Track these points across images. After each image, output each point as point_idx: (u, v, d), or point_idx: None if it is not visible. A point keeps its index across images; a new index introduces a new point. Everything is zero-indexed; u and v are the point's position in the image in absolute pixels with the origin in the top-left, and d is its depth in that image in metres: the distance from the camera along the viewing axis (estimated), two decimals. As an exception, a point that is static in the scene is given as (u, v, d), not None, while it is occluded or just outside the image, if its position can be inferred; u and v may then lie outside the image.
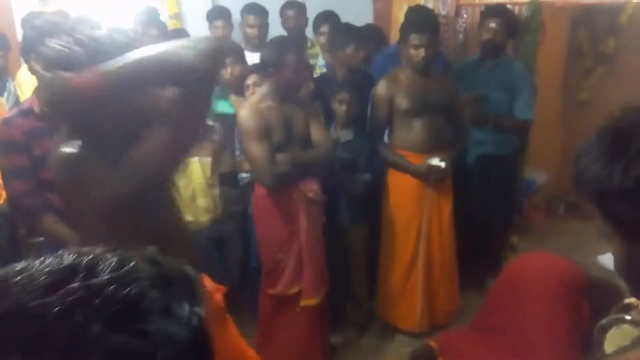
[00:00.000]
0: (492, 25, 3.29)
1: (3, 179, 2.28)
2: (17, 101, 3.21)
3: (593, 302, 1.89)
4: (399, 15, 4.44)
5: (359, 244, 3.08)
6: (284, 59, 2.50)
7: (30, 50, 2.11)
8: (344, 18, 3.90)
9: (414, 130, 3.03)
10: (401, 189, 3.08)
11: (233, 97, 3.14)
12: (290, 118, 2.61)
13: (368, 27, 3.98)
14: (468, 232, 3.32)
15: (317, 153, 2.64)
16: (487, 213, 3.42)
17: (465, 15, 4.02)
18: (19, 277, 0.48)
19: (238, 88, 3.13)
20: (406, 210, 3.08)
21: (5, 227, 2.47)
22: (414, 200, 3.06)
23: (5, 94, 3.36)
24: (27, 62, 2.19)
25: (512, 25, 3.36)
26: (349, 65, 3.30)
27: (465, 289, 3.35)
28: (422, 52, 2.87)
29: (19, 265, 0.51)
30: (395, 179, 3.09)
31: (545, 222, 4.41)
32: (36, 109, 2.19)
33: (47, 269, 0.49)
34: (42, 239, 2.47)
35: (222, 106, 3.12)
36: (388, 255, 3.14)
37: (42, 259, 0.52)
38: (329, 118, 3.06)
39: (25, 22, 3.34)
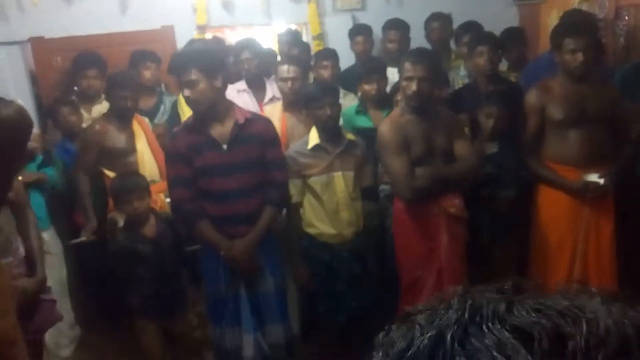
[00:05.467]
0: None
1: (169, 186, 2.58)
2: (176, 118, 3.52)
3: None
4: (548, 21, 4.18)
5: (504, 264, 2.89)
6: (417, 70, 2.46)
7: None
8: (489, 27, 3.75)
9: (569, 142, 2.78)
10: (553, 206, 2.84)
11: (372, 112, 3.16)
12: (431, 131, 2.55)
13: (506, 30, 3.77)
14: (636, 256, 2.96)
15: (459, 167, 2.54)
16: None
17: (626, 17, 3.64)
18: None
19: (378, 103, 3.15)
20: (559, 229, 2.83)
21: (170, 234, 2.72)
22: (568, 219, 2.80)
23: (162, 108, 3.72)
24: None
25: None
26: (481, 72, 3.14)
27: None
28: (579, 56, 2.64)
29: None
30: (547, 195, 2.85)
31: None
32: (197, 125, 2.43)
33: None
34: (197, 246, 2.68)
35: (361, 120, 3.16)
36: (538, 278, 2.91)
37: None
38: (473, 129, 2.94)
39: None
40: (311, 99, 2.69)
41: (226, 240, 2.45)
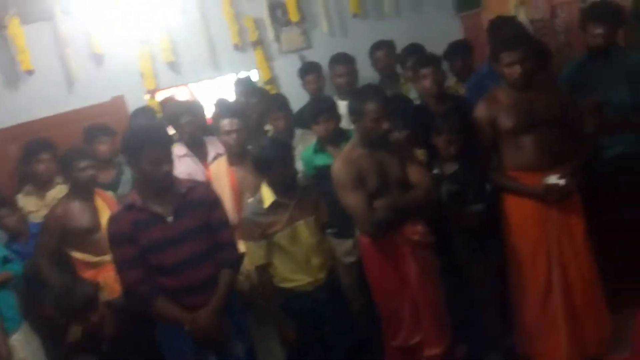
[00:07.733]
0: (599, 30, 3.00)
1: (117, 270, 2.42)
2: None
3: None
4: (491, 30, 4.23)
5: (482, 279, 2.85)
6: (363, 107, 2.48)
7: None
8: (434, 43, 3.80)
9: (524, 148, 2.79)
10: (520, 214, 2.83)
11: (330, 149, 3.13)
12: (384, 163, 2.55)
13: (451, 44, 3.86)
14: (613, 246, 2.95)
15: (415, 194, 2.53)
16: (635, 220, 3.00)
17: (562, 15, 3.72)
18: None
19: (334, 139, 3.13)
20: (529, 236, 2.81)
21: (127, 324, 2.59)
22: (536, 224, 2.79)
23: (123, 178, 3.66)
24: None
25: (619, 21, 3.04)
26: (428, 93, 3.16)
27: (618, 312, 2.93)
28: (517, 69, 2.68)
29: None
30: (512, 204, 2.85)
31: None
32: (138, 202, 2.35)
33: None
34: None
35: (321, 159, 3.13)
36: (519, 287, 2.87)
37: None
38: (430, 150, 2.94)
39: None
40: (264, 162, 2.61)
41: (187, 313, 2.35)
